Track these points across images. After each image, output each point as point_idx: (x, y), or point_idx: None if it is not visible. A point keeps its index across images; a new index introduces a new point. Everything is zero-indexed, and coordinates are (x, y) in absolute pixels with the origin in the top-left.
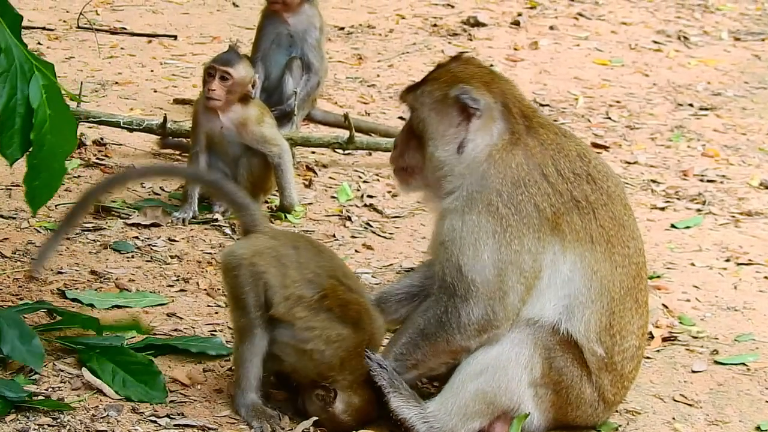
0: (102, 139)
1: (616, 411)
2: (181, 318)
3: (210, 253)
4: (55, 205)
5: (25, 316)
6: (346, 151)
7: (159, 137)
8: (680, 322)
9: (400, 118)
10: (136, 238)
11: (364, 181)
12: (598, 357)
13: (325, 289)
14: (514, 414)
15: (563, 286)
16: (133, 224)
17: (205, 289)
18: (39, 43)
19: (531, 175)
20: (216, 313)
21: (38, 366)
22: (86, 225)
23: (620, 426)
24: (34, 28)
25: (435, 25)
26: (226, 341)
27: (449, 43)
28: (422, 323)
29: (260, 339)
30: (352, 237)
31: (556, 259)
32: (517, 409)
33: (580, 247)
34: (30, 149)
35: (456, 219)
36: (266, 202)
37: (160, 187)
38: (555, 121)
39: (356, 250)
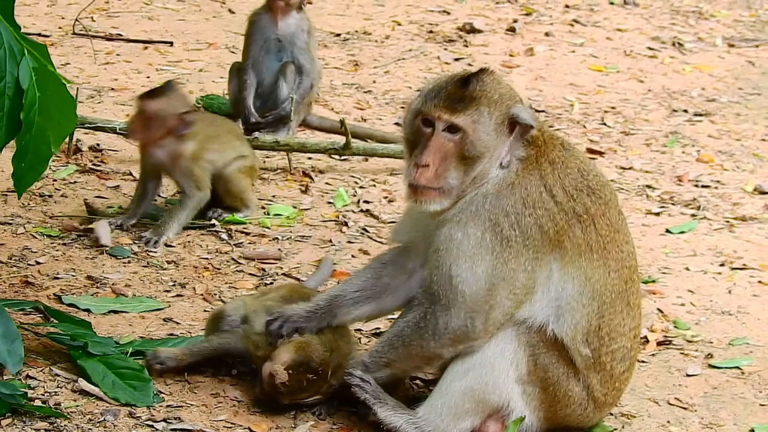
0: (98, 145)
1: (611, 414)
2: (177, 323)
3: (206, 258)
4: (54, 215)
5: (22, 323)
6: (343, 157)
7: None
8: (675, 326)
9: (396, 124)
10: (133, 243)
11: (361, 187)
12: (584, 357)
13: None
14: (505, 412)
15: (555, 293)
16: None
17: (202, 294)
18: None
19: (541, 198)
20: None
21: (15, 368)
22: (83, 230)
23: (615, 429)
24: (29, 34)
25: (431, 32)
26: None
27: (445, 49)
28: (401, 325)
29: None
30: (349, 242)
31: (553, 274)
32: (506, 406)
33: (579, 258)
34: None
35: (457, 229)
36: (262, 208)
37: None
38: (550, 127)
39: (353, 255)
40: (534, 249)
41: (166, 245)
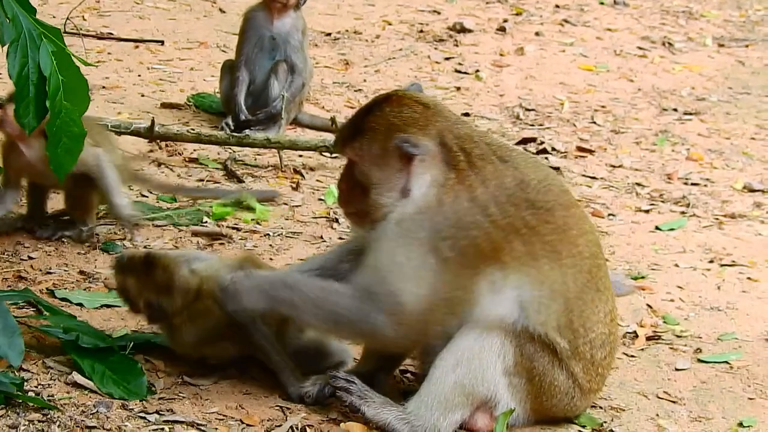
0: None
1: (600, 407)
2: None
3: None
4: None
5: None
6: (333, 155)
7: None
8: (664, 322)
9: None
10: (124, 239)
11: None
12: (562, 348)
13: None
14: (492, 404)
15: (513, 296)
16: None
17: None
18: None
19: (474, 219)
20: None
21: (16, 361)
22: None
23: (605, 422)
24: None
25: (421, 31)
26: None
27: (435, 48)
28: (327, 287)
29: None
30: (339, 238)
31: (498, 283)
32: (494, 398)
33: (525, 266)
34: (47, 117)
35: (398, 251)
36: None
37: (148, 190)
38: (534, 125)
39: None
40: (472, 267)
41: (158, 238)
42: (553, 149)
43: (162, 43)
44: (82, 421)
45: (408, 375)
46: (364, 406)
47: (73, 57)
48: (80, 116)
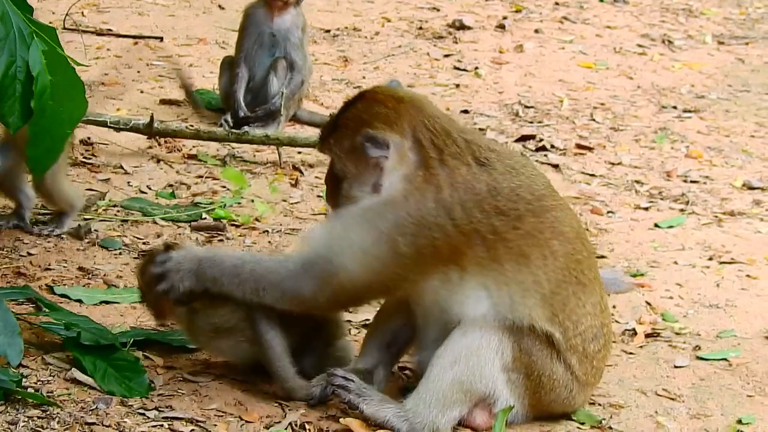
0: (89, 138)
1: (599, 405)
2: None
3: None
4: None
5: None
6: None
7: None
8: (663, 319)
9: None
10: (124, 235)
11: None
12: (557, 339)
13: None
14: (491, 400)
15: (482, 295)
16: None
17: None
18: None
19: (438, 220)
20: None
21: (15, 360)
22: (73, 223)
23: (603, 419)
24: None
25: (420, 28)
26: None
27: (435, 45)
28: (261, 265)
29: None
30: None
31: (455, 282)
32: (492, 394)
33: (485, 270)
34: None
35: (355, 229)
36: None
37: (147, 186)
38: (533, 123)
39: None
40: (425, 266)
41: (158, 235)
42: (552, 146)
43: (161, 39)
44: (82, 417)
45: (407, 372)
46: (362, 403)
47: (65, 57)
48: (77, 120)
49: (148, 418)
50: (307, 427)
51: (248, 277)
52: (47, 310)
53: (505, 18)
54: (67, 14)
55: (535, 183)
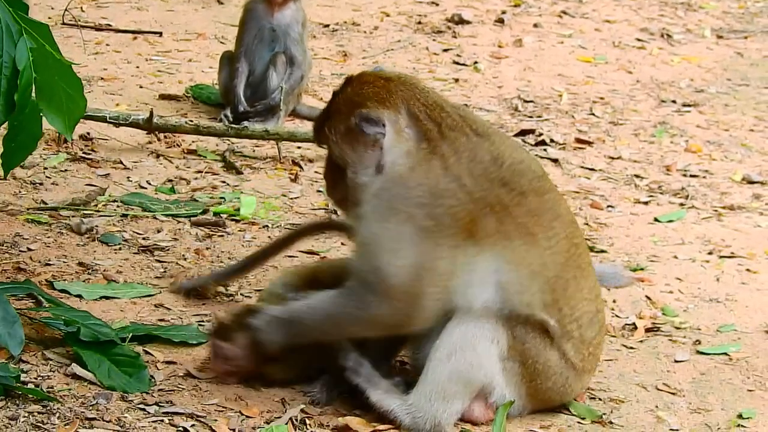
0: (89, 133)
1: (600, 399)
2: (168, 309)
3: (197, 245)
4: (43, 201)
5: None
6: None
7: None
8: (663, 314)
9: None
10: (124, 230)
11: None
12: (552, 327)
13: None
14: (488, 391)
15: (492, 278)
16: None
17: None
18: None
19: (449, 188)
20: (203, 304)
21: (16, 351)
22: (73, 217)
23: (604, 414)
24: None
25: (419, 23)
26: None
27: (434, 40)
28: (324, 299)
29: None
30: None
31: (476, 261)
32: (490, 384)
33: (497, 245)
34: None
35: (376, 224)
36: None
37: (147, 181)
38: (532, 117)
39: (342, 243)
40: (450, 237)
41: (157, 231)
42: (552, 141)
43: (160, 34)
44: (82, 412)
45: (407, 366)
46: (370, 389)
47: (56, 56)
48: (78, 117)
49: (149, 413)
50: (307, 422)
51: (329, 323)
52: (48, 305)
53: (504, 12)
54: (66, 9)
55: (533, 163)
